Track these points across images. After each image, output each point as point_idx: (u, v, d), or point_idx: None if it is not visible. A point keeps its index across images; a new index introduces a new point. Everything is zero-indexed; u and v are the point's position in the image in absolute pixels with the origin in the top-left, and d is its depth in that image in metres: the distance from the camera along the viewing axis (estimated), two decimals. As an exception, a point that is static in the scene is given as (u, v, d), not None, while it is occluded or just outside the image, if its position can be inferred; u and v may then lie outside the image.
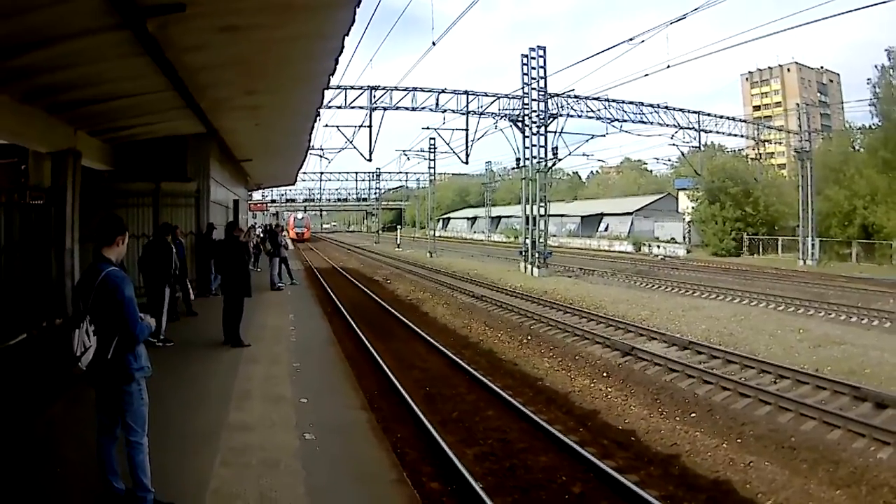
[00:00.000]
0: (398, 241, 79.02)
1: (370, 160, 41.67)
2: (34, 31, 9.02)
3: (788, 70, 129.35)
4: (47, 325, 14.72)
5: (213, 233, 21.57)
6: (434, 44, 24.40)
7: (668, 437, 11.49)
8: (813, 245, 50.11)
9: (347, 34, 10.90)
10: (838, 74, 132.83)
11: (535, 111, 38.92)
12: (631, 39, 27.56)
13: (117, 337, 5.76)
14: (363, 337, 18.21)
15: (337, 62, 12.91)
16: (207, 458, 7.32)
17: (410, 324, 21.35)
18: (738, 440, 11.13)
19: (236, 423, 8.74)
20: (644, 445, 11.18)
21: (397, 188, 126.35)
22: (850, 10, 22.68)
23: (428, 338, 18.94)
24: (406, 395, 12.58)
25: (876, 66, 51.23)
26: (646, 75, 34.51)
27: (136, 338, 5.82)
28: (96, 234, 6.08)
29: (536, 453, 10.35)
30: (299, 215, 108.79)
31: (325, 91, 16.81)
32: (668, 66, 31.99)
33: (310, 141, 28.16)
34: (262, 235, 31.13)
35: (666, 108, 46.17)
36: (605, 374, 15.50)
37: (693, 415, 12.43)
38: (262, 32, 10.71)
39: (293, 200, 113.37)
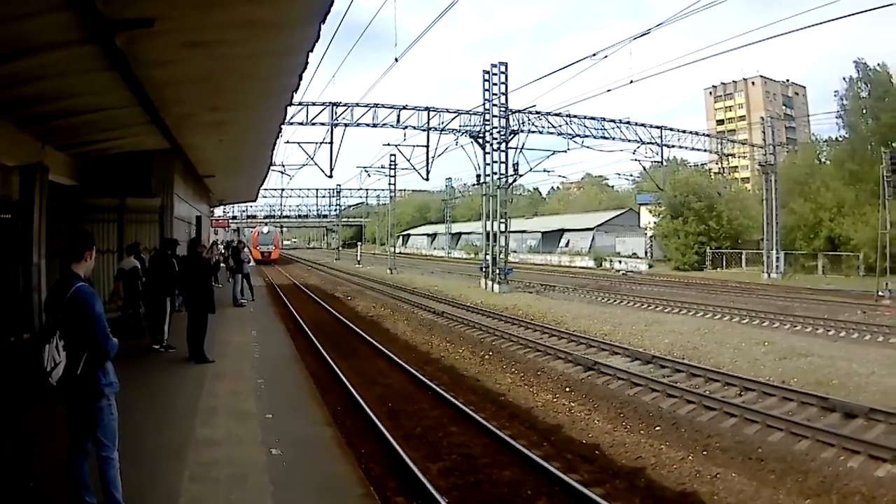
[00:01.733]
0: (359, 258, 78.93)
1: (331, 177, 41.52)
2: (3, 44, 8.96)
3: (753, 83, 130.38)
4: (15, 339, 14.58)
5: (175, 249, 21.48)
6: (397, 60, 24.51)
7: (632, 451, 11.56)
8: (777, 258, 50.79)
9: (312, 50, 10.93)
10: (804, 87, 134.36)
11: (495, 127, 39.18)
12: (594, 55, 27.76)
13: (87, 352, 5.75)
14: (325, 354, 18.14)
15: (301, 78, 12.93)
16: (176, 474, 7.32)
17: (372, 340, 21.31)
18: (704, 452, 11.24)
19: (203, 438, 8.72)
20: (609, 459, 11.24)
21: (357, 205, 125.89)
22: (815, 24, 23.13)
23: (390, 354, 18.93)
24: (369, 411, 12.56)
25: (844, 78, 51.92)
26: (608, 91, 34.84)
27: (106, 353, 5.82)
28: (64, 250, 6.08)
29: (501, 468, 10.39)
30: (265, 229, 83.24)
31: (288, 107, 16.84)
32: (632, 82, 32.18)
33: (272, 157, 28.12)
34: (223, 252, 30.95)
35: (628, 123, 46.48)
36: (567, 389, 15.58)
37: (658, 428, 12.54)
38: (228, 48, 10.71)
39: (254, 217, 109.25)
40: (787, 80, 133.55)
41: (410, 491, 9.13)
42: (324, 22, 9.52)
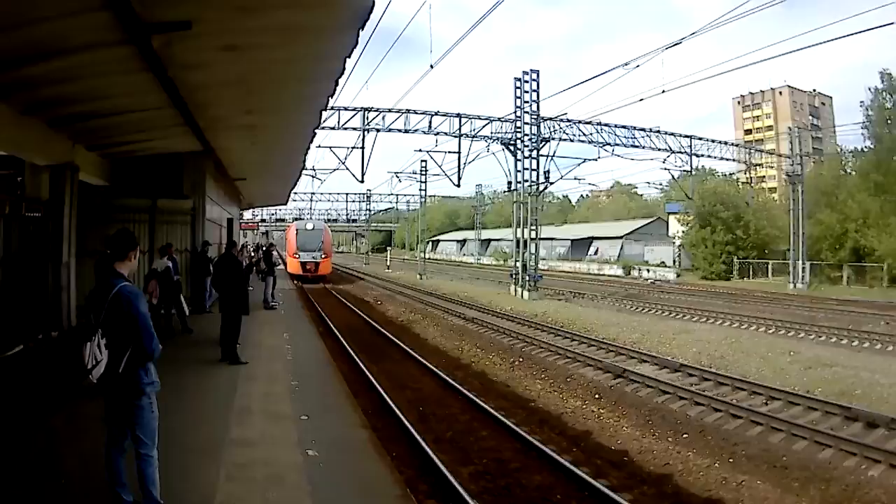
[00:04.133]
0: (388, 263, 78.99)
1: (362, 181, 41.62)
2: (39, 44, 9.12)
3: (780, 93, 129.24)
4: (43, 337, 14.76)
5: (208, 251, 21.62)
6: (432, 66, 24.51)
7: (660, 457, 11.60)
8: (803, 268, 50.31)
9: (349, 56, 10.98)
10: (830, 97, 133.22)
11: (527, 135, 39.14)
12: (626, 64, 27.72)
13: (129, 351, 5.81)
14: (356, 357, 18.26)
15: (337, 84, 12.98)
16: (212, 473, 7.37)
17: (403, 345, 21.41)
18: (731, 460, 11.24)
19: (238, 438, 8.78)
20: (637, 465, 11.29)
21: (387, 210, 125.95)
22: (843, 36, 22.96)
23: (420, 359, 19.02)
24: (400, 415, 12.64)
25: (869, 89, 51.36)
26: (641, 100, 34.63)
27: (150, 353, 5.88)
28: (109, 249, 6.16)
29: (531, 472, 10.44)
30: (308, 225, 56.72)
31: (323, 112, 16.92)
32: (664, 91, 32.10)
33: (304, 161, 28.24)
34: (253, 255, 31.06)
35: (658, 132, 46.23)
36: (597, 396, 15.57)
37: (685, 435, 12.53)
38: (264, 52, 10.81)
39: (283, 220, 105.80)
40: (814, 91, 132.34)
41: (442, 494, 9.18)
42: (362, 28, 9.58)
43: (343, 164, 40.44)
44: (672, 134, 47.03)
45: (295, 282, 48.16)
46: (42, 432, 8.74)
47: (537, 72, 38.76)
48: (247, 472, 7.52)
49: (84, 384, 5.82)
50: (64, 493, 6.75)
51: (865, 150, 54.99)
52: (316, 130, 19.97)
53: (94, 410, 6.31)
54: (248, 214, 70.53)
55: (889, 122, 50.03)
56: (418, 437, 11.28)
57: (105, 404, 6.05)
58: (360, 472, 8.05)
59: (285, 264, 55.09)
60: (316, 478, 7.53)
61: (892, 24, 22.94)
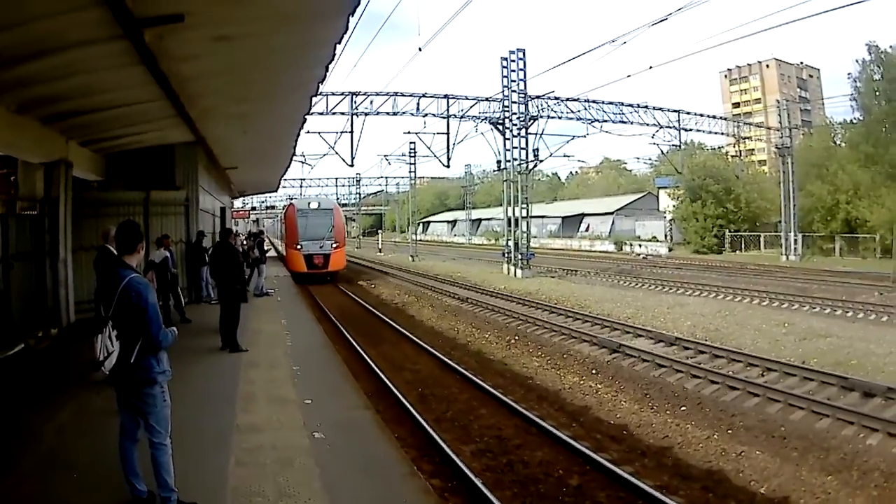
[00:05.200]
0: (380, 246, 79.04)
1: (352, 165, 41.54)
2: (33, 42, 9.13)
3: (767, 66, 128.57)
4: (43, 334, 14.82)
5: (202, 241, 21.66)
6: (420, 49, 24.61)
7: (659, 430, 11.79)
8: (795, 240, 50.62)
9: (339, 42, 11.03)
10: (818, 70, 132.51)
11: (515, 114, 39.25)
12: (613, 41, 27.75)
13: (140, 342, 5.92)
14: (353, 341, 18.46)
15: (327, 70, 13.03)
16: (222, 459, 7.47)
17: (398, 327, 21.68)
18: (729, 431, 11.44)
19: (245, 424, 8.87)
20: (637, 438, 11.49)
21: (377, 193, 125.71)
22: (831, 10, 23.01)
23: (417, 340, 19.29)
24: (400, 396, 12.86)
25: (857, 61, 51.47)
26: (628, 76, 34.72)
27: (158, 343, 5.98)
28: (117, 243, 6.29)
29: (532, 448, 10.62)
30: (313, 204, 43.69)
31: (313, 98, 16.96)
32: (651, 67, 32.43)
33: (294, 148, 28.24)
34: (244, 243, 30.79)
35: (646, 107, 46.23)
36: (594, 372, 15.78)
37: (683, 408, 12.73)
38: (256, 41, 10.83)
39: (273, 207, 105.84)
40: (802, 63, 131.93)
41: (446, 472, 9.36)
42: (353, 14, 9.64)
43: (332, 148, 40.41)
44: (660, 109, 46.96)
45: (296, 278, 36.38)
46: (51, 428, 8.76)
47: (523, 51, 38.91)
48: (256, 457, 7.61)
49: (95, 377, 5.93)
50: (77, 486, 6.81)
51: (855, 121, 55.20)
52: (306, 116, 20.00)
53: (102, 404, 6.44)
54: (238, 203, 70.02)
55: (877, 93, 50.15)
56: (419, 417, 11.48)
57: (117, 395, 6.15)
58: (367, 453, 8.15)
59: (282, 257, 46.13)
60: (324, 460, 7.64)
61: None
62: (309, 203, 42.70)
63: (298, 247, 38.49)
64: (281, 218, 51.02)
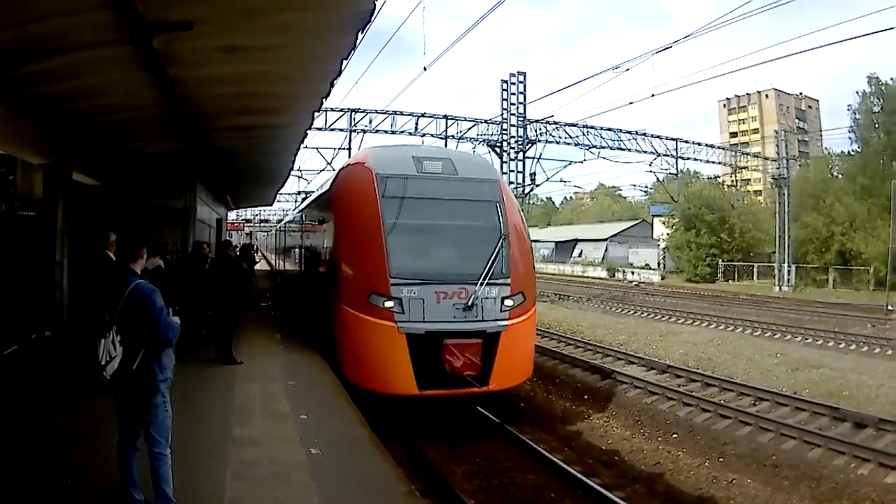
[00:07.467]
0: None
1: (349, 183, 41.16)
2: (38, 42, 9.07)
3: (766, 96, 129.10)
4: (37, 336, 14.77)
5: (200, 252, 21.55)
6: (426, 69, 24.53)
7: (651, 457, 11.89)
8: (789, 271, 50.84)
9: (347, 58, 11.06)
10: (817, 101, 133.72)
11: (513, 137, 39.40)
12: (616, 67, 27.92)
13: (145, 346, 5.96)
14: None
15: (332, 85, 13.02)
16: (219, 471, 7.43)
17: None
18: (720, 459, 11.52)
19: (242, 438, 8.82)
20: (628, 464, 11.58)
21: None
22: (832, 43, 23.26)
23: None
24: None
25: (857, 92, 52.07)
26: (630, 103, 34.84)
27: (168, 341, 6.05)
28: (121, 249, 6.43)
29: (524, 471, 10.69)
30: (433, 164, 13.62)
31: (315, 113, 16.99)
32: (653, 95, 32.49)
33: (293, 162, 28.25)
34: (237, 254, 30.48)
35: (644, 134, 46.63)
36: (586, 397, 15.80)
37: (675, 435, 12.81)
38: (264, 53, 10.81)
39: (267, 221, 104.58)
40: (801, 94, 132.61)
41: (438, 492, 9.38)
42: (363, 30, 9.67)
43: (330, 165, 40.56)
44: (658, 136, 47.37)
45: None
46: (47, 432, 8.73)
47: (524, 74, 39.40)
48: (253, 471, 7.58)
49: (98, 381, 5.95)
50: (71, 492, 6.78)
51: (852, 153, 55.67)
52: (307, 131, 20.02)
53: (99, 410, 6.44)
54: (232, 215, 69.81)
55: (876, 125, 50.49)
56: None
57: (117, 402, 6.18)
58: (365, 470, 8.14)
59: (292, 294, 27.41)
60: (321, 475, 7.60)
61: (892, 28, 23.17)
62: (422, 159, 14.04)
63: (386, 305, 11.94)
64: (303, 213, 25.24)
